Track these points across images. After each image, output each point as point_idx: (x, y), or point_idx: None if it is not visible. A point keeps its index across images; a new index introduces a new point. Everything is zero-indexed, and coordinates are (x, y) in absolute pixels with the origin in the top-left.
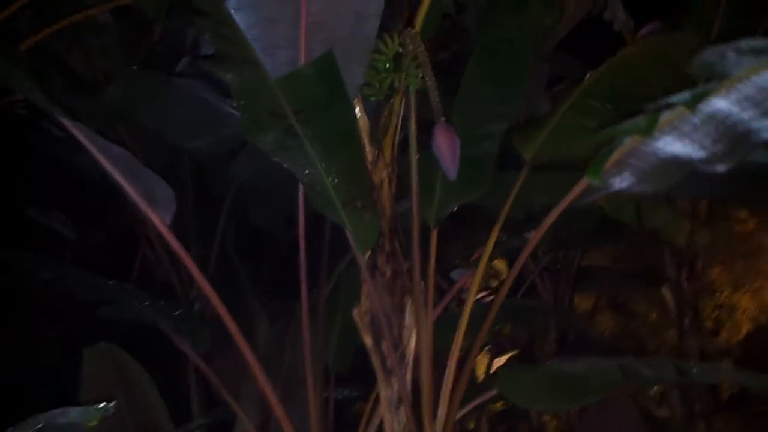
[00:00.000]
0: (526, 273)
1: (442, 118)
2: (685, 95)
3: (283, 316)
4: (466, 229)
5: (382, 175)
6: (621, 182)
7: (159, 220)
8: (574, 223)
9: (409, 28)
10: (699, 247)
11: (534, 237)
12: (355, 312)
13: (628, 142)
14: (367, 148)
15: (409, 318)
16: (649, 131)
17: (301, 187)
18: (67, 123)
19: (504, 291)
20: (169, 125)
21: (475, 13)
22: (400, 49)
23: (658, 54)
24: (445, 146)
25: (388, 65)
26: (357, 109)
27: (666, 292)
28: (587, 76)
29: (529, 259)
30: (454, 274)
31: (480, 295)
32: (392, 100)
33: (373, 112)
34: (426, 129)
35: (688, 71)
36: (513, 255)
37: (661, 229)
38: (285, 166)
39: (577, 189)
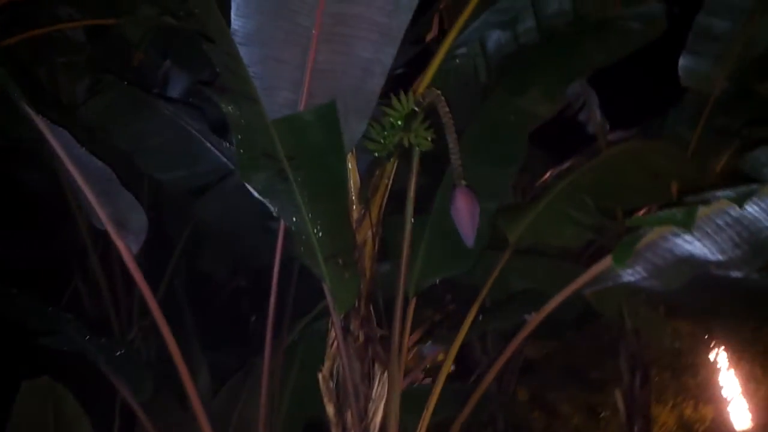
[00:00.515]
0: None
1: (463, 182)
2: (728, 192)
3: (240, 370)
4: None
5: (366, 234)
6: (632, 275)
7: (125, 248)
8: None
9: (432, 88)
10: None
11: (532, 321)
12: (320, 376)
13: (649, 234)
14: (355, 204)
15: (378, 389)
16: (688, 224)
17: (280, 235)
18: (46, 129)
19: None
20: (145, 151)
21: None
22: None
23: (641, 159)
24: (465, 211)
25: (399, 122)
26: (349, 164)
27: (618, 395)
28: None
29: (479, 348)
30: (425, 349)
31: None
32: (388, 159)
33: (365, 170)
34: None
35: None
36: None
37: (643, 328)
38: (275, 209)
39: (585, 277)
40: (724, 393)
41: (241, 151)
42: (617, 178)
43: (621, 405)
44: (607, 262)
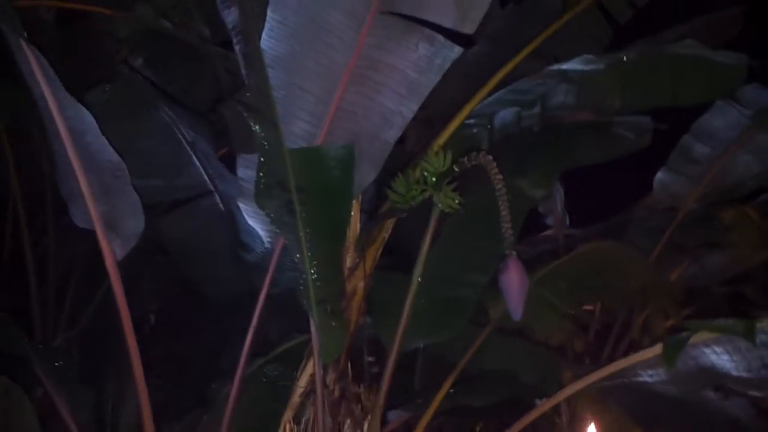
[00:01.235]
0: None
1: (513, 252)
2: None
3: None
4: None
5: (357, 284)
6: (651, 377)
7: (110, 252)
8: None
9: (484, 153)
10: None
11: (542, 406)
12: (287, 426)
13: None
14: (351, 252)
15: None
16: (750, 336)
17: (270, 271)
18: (58, 110)
19: None
20: (129, 152)
21: None
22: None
23: (612, 257)
24: (516, 282)
25: (433, 179)
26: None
27: None
28: None
29: None
30: (391, 415)
31: None
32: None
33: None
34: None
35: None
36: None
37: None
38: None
39: (603, 372)
40: None
41: (261, 174)
42: (594, 274)
43: None
44: (627, 361)
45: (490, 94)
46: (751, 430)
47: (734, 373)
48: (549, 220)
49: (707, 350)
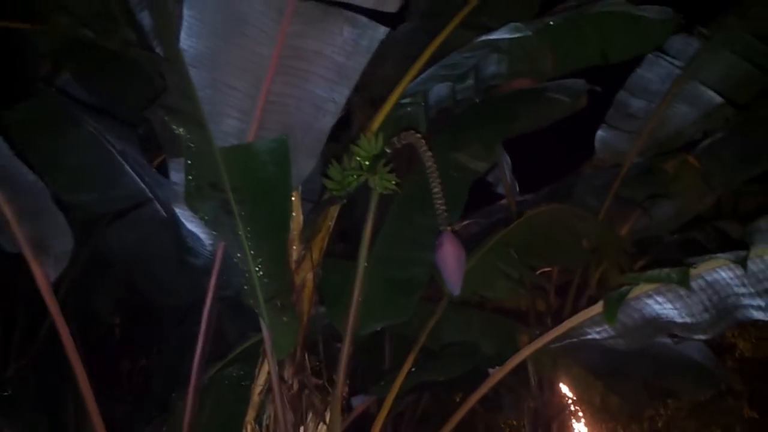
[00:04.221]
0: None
1: (448, 227)
2: (730, 255)
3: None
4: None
5: (305, 276)
6: (599, 333)
7: (42, 274)
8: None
9: (412, 131)
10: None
11: (496, 375)
12: (248, 426)
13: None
14: (296, 245)
15: None
16: (684, 283)
17: (214, 272)
18: None
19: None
20: (58, 170)
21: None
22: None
23: (561, 220)
24: (453, 257)
25: (366, 163)
26: (294, 203)
27: None
28: None
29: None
30: (355, 400)
31: None
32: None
33: (308, 210)
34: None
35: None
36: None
37: (574, 386)
38: (223, 243)
39: (554, 333)
40: None
41: (189, 177)
42: (542, 237)
43: None
44: (573, 321)
45: (422, 71)
46: (708, 370)
47: (678, 320)
48: (500, 189)
49: (650, 301)
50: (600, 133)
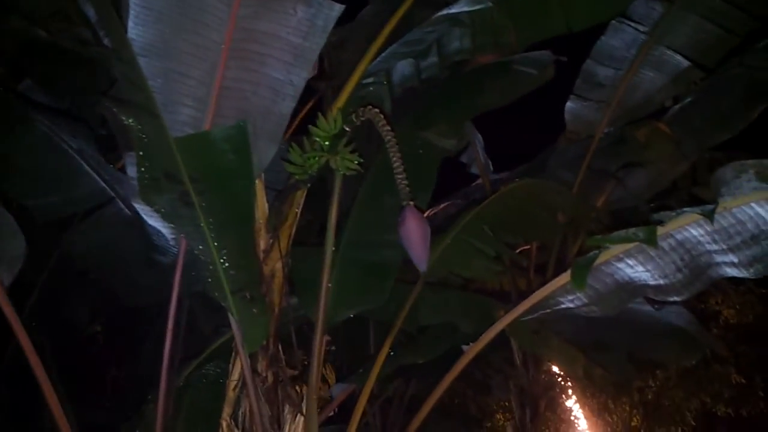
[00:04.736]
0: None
1: (410, 202)
2: (696, 209)
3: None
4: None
5: (275, 266)
6: (572, 301)
7: None
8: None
9: (370, 107)
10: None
11: (470, 351)
12: (223, 423)
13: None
14: (262, 234)
15: None
16: (651, 240)
17: (178, 270)
18: None
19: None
20: (11, 173)
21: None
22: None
23: (533, 194)
24: (416, 233)
25: (326, 143)
26: (258, 191)
27: (509, 430)
28: None
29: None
30: (335, 388)
31: None
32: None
33: (273, 197)
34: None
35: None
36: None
37: (557, 360)
38: (180, 235)
39: (525, 305)
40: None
41: (142, 169)
42: (516, 213)
43: None
44: (545, 291)
45: (383, 50)
46: (692, 335)
47: (652, 282)
48: (474, 169)
49: (621, 265)
50: (569, 104)
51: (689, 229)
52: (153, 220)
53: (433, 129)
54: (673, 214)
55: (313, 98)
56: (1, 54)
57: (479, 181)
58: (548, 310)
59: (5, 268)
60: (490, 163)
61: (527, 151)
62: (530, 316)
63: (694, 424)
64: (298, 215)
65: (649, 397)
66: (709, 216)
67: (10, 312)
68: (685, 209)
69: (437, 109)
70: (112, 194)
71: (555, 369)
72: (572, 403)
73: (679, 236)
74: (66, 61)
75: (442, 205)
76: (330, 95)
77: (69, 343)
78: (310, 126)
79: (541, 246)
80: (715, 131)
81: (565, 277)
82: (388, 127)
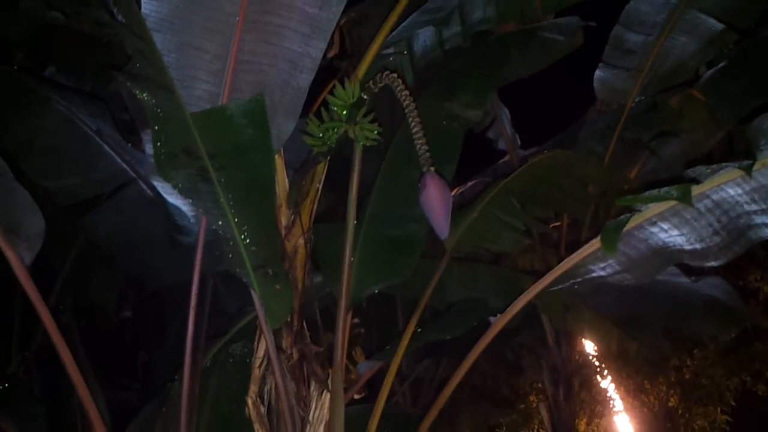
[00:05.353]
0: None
1: (432, 168)
2: (734, 164)
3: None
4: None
5: (297, 242)
6: (605, 269)
7: (17, 259)
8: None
9: (387, 72)
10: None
11: (486, 337)
12: (249, 401)
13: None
14: (284, 210)
15: (316, 411)
16: (685, 199)
17: (199, 248)
18: None
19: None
20: (32, 155)
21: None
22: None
23: (563, 165)
24: (438, 199)
25: (344, 113)
26: (277, 166)
27: (543, 410)
28: None
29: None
30: (362, 366)
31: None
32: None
33: (293, 172)
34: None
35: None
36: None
37: (590, 334)
38: (199, 211)
39: (555, 274)
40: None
41: (159, 144)
42: (546, 185)
43: (546, 419)
44: (575, 258)
45: (403, 18)
46: (731, 308)
47: (687, 246)
48: (501, 144)
49: (654, 229)
50: (598, 73)
51: (726, 188)
52: (173, 198)
53: (457, 100)
54: (708, 170)
55: (335, 78)
56: (20, 38)
57: (507, 158)
58: (579, 279)
59: (26, 247)
60: (517, 137)
61: (557, 127)
62: (560, 285)
63: (733, 404)
64: (320, 191)
65: (687, 376)
66: (748, 171)
67: (31, 289)
68: (722, 164)
69: (461, 80)
70: (133, 175)
71: (588, 349)
72: (607, 384)
73: (715, 196)
74: (84, 43)
75: (469, 184)
76: (351, 73)
77: (98, 329)
78: (328, 96)
79: (572, 222)
80: (751, 98)
81: (595, 244)
82: (407, 92)
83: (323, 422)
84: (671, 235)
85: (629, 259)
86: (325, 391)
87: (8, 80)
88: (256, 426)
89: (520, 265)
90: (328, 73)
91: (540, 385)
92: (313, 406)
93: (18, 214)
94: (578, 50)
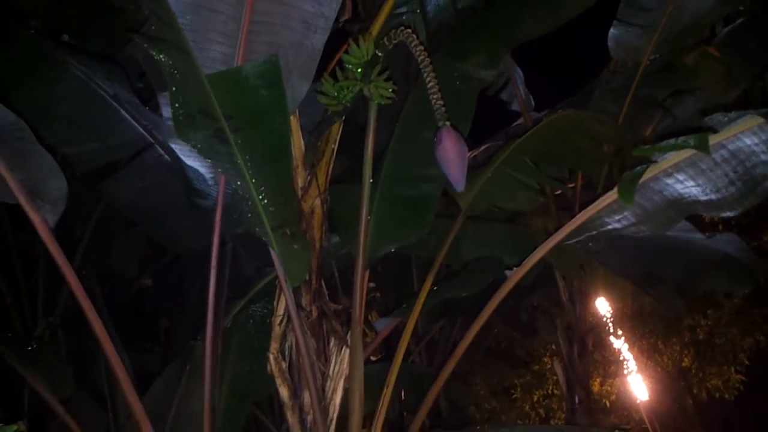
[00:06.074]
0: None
1: (447, 122)
2: (751, 112)
3: (179, 357)
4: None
5: (313, 202)
6: (619, 221)
7: (41, 221)
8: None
9: (402, 27)
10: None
11: (501, 292)
12: (270, 357)
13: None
14: (300, 171)
15: (335, 367)
16: (703, 147)
17: (218, 210)
18: None
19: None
20: (50, 120)
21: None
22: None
23: (577, 123)
24: (454, 152)
25: (358, 71)
26: (293, 128)
27: (558, 368)
28: None
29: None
30: (379, 323)
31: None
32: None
33: (309, 133)
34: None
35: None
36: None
37: (605, 290)
38: (217, 171)
39: (569, 228)
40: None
41: (176, 105)
42: (560, 143)
43: (561, 377)
44: (590, 211)
45: None
46: (744, 264)
47: (702, 197)
48: (514, 106)
49: (670, 180)
50: (612, 31)
51: (743, 137)
52: (191, 161)
53: (471, 60)
54: (726, 119)
55: (347, 41)
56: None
57: (520, 120)
58: (594, 233)
59: (49, 209)
60: (531, 98)
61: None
62: (576, 239)
63: (747, 363)
64: (335, 152)
65: (701, 336)
66: (767, 117)
67: (56, 251)
68: (739, 112)
69: (474, 39)
70: (151, 140)
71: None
72: (621, 345)
73: (731, 146)
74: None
75: (483, 147)
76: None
77: (119, 296)
78: (343, 55)
79: (586, 184)
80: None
81: (611, 196)
82: (422, 47)
83: (343, 376)
84: (687, 185)
85: (644, 211)
86: (344, 346)
87: (25, 45)
88: (278, 381)
89: (534, 227)
90: (341, 37)
91: (554, 346)
92: (333, 361)
93: (41, 176)
94: (592, 9)
